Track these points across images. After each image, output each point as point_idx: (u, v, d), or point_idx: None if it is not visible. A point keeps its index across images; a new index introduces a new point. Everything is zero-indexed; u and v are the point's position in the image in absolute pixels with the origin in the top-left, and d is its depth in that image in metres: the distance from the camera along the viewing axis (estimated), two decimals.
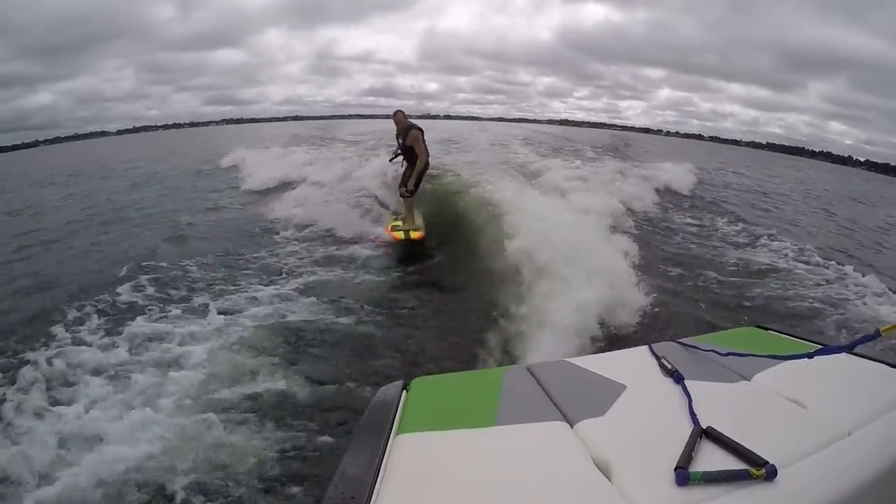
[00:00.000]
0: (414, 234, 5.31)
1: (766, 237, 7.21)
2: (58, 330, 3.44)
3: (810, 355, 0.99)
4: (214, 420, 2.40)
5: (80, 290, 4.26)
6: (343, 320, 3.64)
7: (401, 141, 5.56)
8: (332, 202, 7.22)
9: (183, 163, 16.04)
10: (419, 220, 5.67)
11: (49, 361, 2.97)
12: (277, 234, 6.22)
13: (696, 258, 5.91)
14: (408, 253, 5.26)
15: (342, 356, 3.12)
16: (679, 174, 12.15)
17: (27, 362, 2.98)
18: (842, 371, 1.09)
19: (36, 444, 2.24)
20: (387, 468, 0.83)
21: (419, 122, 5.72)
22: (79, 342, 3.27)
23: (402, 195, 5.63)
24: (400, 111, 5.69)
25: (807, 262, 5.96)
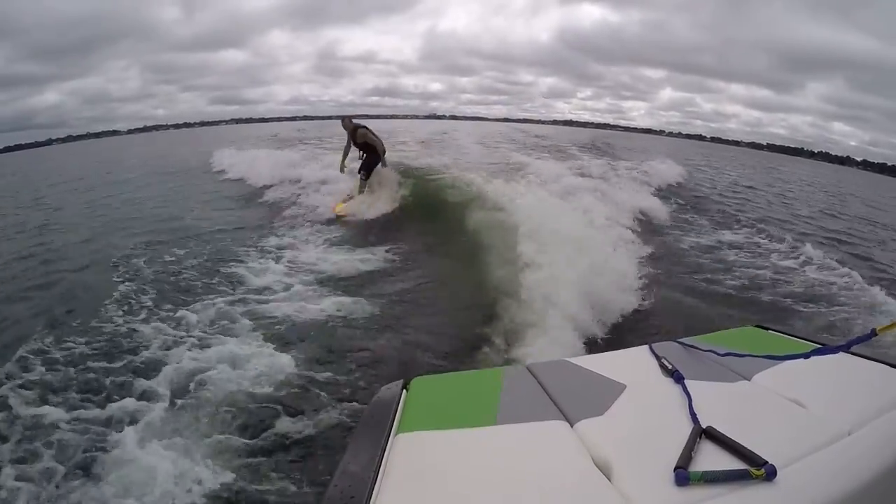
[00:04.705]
0: (337, 208, 6.89)
1: (764, 237, 7.23)
2: None
3: (806, 355, 0.99)
4: (214, 420, 2.40)
5: None
6: (341, 320, 3.63)
7: (354, 141, 7.03)
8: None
9: None
10: (365, 198, 7.05)
11: None
12: (272, 229, 6.27)
13: (695, 258, 5.91)
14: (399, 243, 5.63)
15: (341, 356, 3.11)
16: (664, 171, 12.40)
17: None
18: (841, 371, 1.09)
19: None
20: (387, 467, 0.82)
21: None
22: None
23: (361, 178, 7.17)
24: (345, 117, 7.14)
25: (805, 262, 5.96)
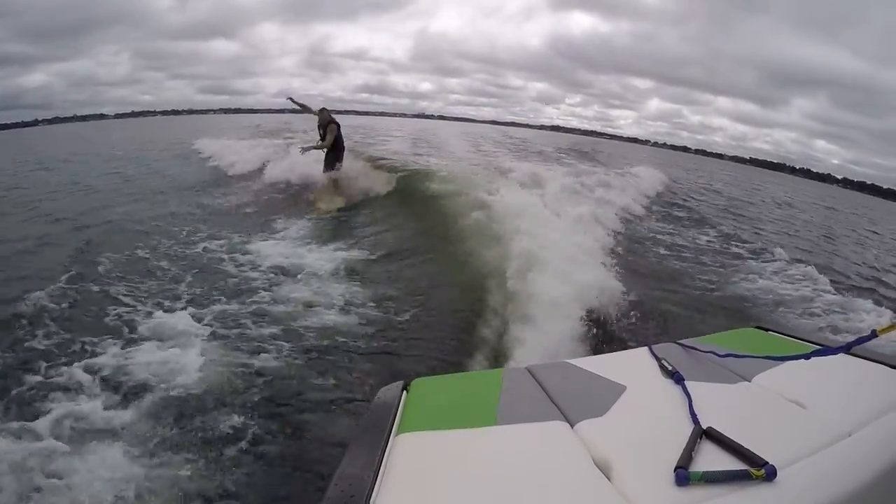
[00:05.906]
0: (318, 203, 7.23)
1: (761, 240, 7.38)
2: None
3: (807, 356, 1.00)
4: (212, 419, 2.36)
5: None
6: (340, 322, 3.58)
7: (322, 132, 7.58)
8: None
9: None
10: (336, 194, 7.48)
11: None
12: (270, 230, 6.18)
13: (694, 260, 5.98)
14: (398, 247, 5.56)
15: (341, 358, 3.06)
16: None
17: None
18: (842, 372, 1.10)
19: None
20: (387, 467, 0.82)
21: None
22: None
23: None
24: (323, 110, 7.74)
25: (805, 265, 6.10)
